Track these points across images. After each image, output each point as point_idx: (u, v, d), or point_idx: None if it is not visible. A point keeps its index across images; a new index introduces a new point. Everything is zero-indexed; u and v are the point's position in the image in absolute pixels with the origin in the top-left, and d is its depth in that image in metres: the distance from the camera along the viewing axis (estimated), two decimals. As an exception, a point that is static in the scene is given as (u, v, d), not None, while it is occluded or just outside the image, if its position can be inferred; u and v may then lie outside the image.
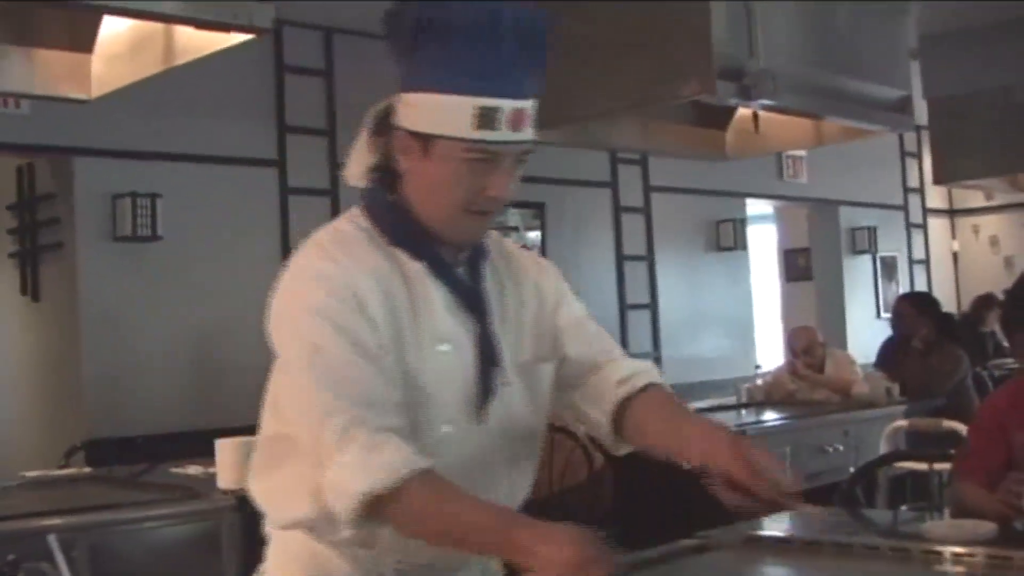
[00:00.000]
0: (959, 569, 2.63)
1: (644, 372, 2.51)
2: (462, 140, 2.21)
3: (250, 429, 5.25)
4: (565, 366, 2.51)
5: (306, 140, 7.94)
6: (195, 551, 4.65)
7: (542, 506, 2.41)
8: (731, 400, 8.51)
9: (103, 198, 7.01)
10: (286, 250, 7.73)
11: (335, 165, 8.03)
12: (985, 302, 11.99)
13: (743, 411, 8.11)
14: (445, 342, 2.30)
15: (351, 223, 2.37)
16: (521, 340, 2.43)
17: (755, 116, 6.22)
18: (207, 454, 4.99)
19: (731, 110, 6.29)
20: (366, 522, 2.13)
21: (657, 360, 9.70)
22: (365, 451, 2.10)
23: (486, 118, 2.19)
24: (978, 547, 2.66)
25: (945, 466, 4.67)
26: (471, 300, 2.35)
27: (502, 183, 2.26)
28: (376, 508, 2.10)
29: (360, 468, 2.09)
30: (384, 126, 2.38)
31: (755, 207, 11.96)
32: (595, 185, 9.80)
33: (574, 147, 7.12)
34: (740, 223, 11.10)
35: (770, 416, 7.74)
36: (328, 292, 2.22)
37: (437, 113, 2.23)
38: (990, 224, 14.51)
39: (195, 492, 4.83)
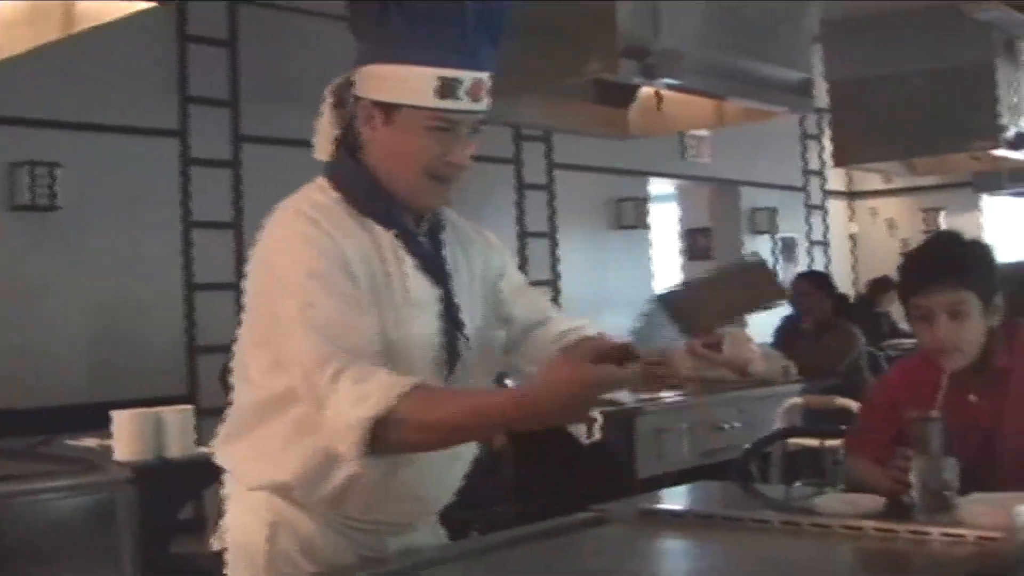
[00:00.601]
0: (848, 542, 2.68)
1: (578, 328, 2.71)
2: (425, 108, 2.35)
3: (148, 401, 5.26)
4: (511, 328, 2.68)
5: (209, 111, 7.87)
6: (90, 523, 4.62)
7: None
8: (630, 377, 8.55)
9: (1, 166, 6.91)
10: (187, 221, 7.69)
11: (238, 136, 7.98)
12: (881, 284, 12.16)
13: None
14: (416, 308, 2.43)
15: (321, 194, 2.47)
16: (474, 307, 2.57)
17: (658, 95, 6.25)
18: (104, 426, 4.96)
19: (635, 89, 6.30)
20: (372, 451, 2.20)
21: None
22: (355, 383, 2.19)
23: (448, 88, 2.35)
24: (866, 520, 2.71)
25: (837, 443, 4.75)
26: (435, 268, 2.49)
27: (461, 150, 2.42)
28: (379, 433, 2.18)
29: (355, 398, 2.18)
30: (344, 99, 2.48)
31: (657, 186, 12.03)
32: (498, 161, 9.81)
33: (478, 123, 7.11)
34: (642, 202, 11.16)
35: (667, 392, 7.80)
36: (319, 253, 2.32)
37: (401, 83, 2.36)
38: (888, 207, 14.72)
39: (91, 464, 4.80)
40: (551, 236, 10.34)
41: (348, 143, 2.49)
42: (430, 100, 2.35)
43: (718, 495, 3.56)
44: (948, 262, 3.29)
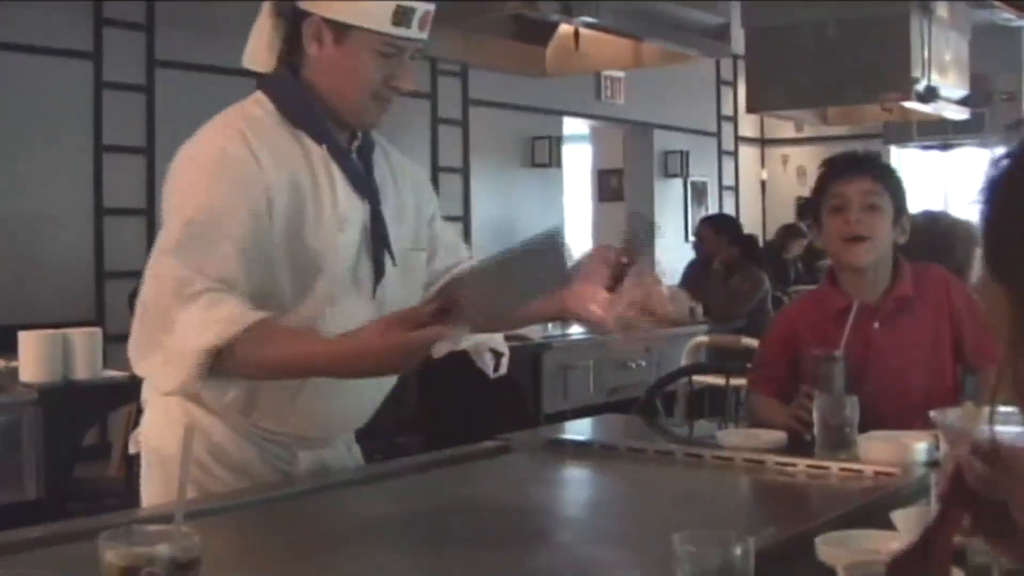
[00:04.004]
0: (749, 474, 2.74)
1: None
2: (380, 34, 2.43)
3: (55, 324, 5.22)
4: (429, 267, 2.75)
5: (123, 34, 7.78)
6: (-6, 443, 4.61)
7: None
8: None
9: (-93, 82, 6.80)
10: (99, 144, 7.61)
11: (152, 61, 7.90)
12: (790, 231, 12.28)
13: (548, 324, 8.21)
14: (342, 221, 2.48)
15: (257, 106, 2.52)
16: (401, 228, 2.63)
17: (576, 34, 6.26)
18: (11, 348, 4.93)
19: (553, 26, 6.31)
20: (213, 376, 2.27)
21: (468, 273, 9.75)
22: (204, 309, 2.25)
23: (403, 16, 2.44)
24: (768, 454, 2.77)
25: (741, 381, 4.82)
26: (364, 185, 2.55)
27: (407, 74, 2.53)
28: (216, 362, 2.25)
29: (199, 325, 2.24)
30: (284, 11, 2.52)
31: (572, 126, 12.06)
32: (414, 95, 9.77)
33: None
34: (556, 141, 11.19)
35: (575, 330, 7.86)
36: (230, 176, 2.37)
37: (358, 6, 2.43)
38: (798, 155, 14.86)
39: (-3, 384, 4.78)
40: (464, 172, 10.34)
41: (286, 57, 2.53)
42: (385, 26, 2.42)
43: (622, 428, 3.61)
44: (869, 157, 3.48)
